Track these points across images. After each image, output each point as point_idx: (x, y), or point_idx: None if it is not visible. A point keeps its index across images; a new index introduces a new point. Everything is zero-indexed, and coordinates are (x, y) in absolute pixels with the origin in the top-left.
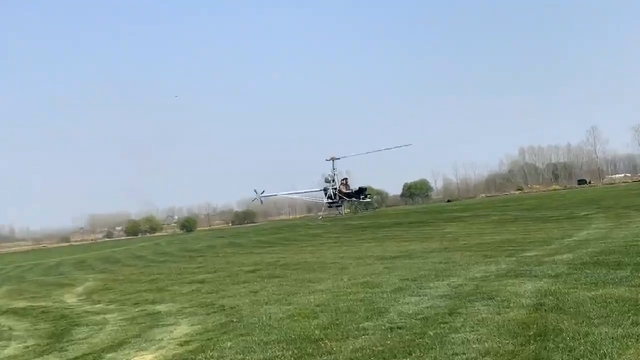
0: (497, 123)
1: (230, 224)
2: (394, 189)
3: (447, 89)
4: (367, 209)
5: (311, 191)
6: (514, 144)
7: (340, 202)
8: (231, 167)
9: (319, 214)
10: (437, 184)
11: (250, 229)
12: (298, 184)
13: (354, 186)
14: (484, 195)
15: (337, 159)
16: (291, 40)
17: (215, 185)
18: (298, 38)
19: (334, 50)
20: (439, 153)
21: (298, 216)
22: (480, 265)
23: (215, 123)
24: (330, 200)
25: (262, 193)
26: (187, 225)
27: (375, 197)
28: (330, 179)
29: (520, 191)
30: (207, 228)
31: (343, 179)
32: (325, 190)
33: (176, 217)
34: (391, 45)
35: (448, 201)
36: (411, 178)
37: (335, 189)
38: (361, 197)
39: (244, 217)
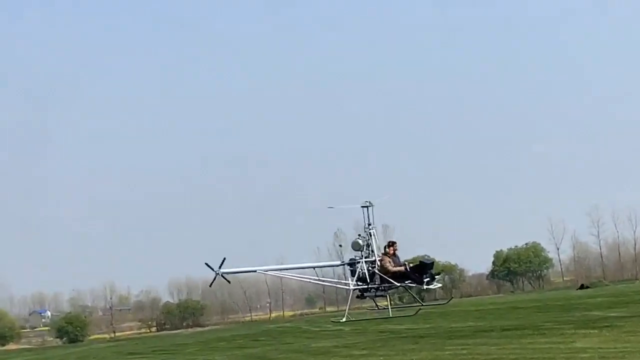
0: None
1: (154, 329)
2: (476, 264)
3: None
4: (420, 299)
5: (321, 266)
6: None
7: (383, 286)
8: (158, 217)
9: (345, 310)
10: (559, 252)
11: (194, 339)
12: (291, 254)
13: (407, 256)
14: None
15: (374, 205)
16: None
17: (127, 253)
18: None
19: None
20: (561, 192)
21: (289, 313)
22: None
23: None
24: (362, 285)
25: (222, 267)
26: (70, 330)
27: (440, 277)
28: (363, 242)
29: None
30: (108, 337)
31: (389, 244)
32: (352, 264)
33: (48, 313)
34: None
35: (582, 287)
36: (509, 242)
37: (374, 262)
38: (425, 278)
39: (182, 315)
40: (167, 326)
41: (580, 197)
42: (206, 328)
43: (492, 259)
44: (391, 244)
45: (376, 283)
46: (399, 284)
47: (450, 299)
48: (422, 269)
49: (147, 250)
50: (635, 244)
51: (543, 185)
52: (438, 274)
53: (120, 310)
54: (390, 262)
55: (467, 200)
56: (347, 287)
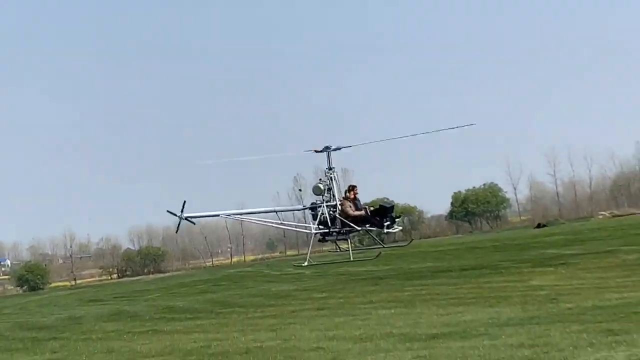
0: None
1: (115, 276)
2: (435, 205)
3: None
4: (380, 241)
5: (283, 210)
6: None
7: (344, 230)
8: (117, 158)
9: (307, 254)
10: (517, 192)
11: (155, 285)
12: (252, 198)
13: (367, 200)
14: (606, 213)
15: (336, 149)
16: None
17: (86, 201)
18: None
19: None
20: (519, 134)
21: (250, 258)
22: (600, 349)
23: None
24: (323, 229)
25: (183, 211)
26: (30, 278)
27: (400, 219)
28: (323, 187)
29: None
30: (69, 284)
31: (349, 188)
32: (313, 208)
33: (8, 261)
34: None
35: (539, 226)
36: (468, 183)
37: (334, 206)
38: (385, 221)
39: (143, 261)
40: (128, 273)
41: (535, 141)
42: (167, 274)
43: (450, 200)
44: (351, 188)
45: (337, 227)
46: (359, 228)
47: (411, 241)
48: (383, 213)
49: (106, 198)
50: (590, 183)
51: (500, 127)
52: (398, 216)
53: (81, 258)
54: (351, 207)
55: (425, 143)
56: (309, 231)
